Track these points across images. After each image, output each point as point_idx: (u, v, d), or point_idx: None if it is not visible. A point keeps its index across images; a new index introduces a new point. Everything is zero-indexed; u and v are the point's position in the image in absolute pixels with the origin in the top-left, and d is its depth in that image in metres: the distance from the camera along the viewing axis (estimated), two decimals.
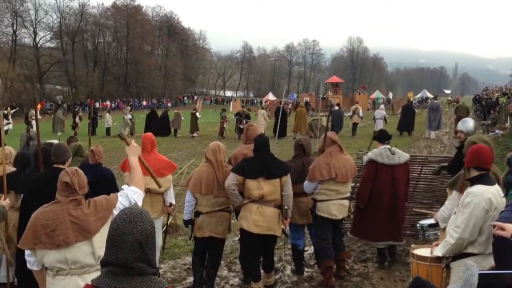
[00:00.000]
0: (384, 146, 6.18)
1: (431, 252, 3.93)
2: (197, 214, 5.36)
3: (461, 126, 6.01)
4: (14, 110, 28.91)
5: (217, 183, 5.23)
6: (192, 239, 5.55)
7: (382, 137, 6.37)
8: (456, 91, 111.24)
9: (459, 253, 3.66)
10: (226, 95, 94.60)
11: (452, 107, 38.61)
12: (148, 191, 5.96)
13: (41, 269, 3.41)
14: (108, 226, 3.07)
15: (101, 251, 3.22)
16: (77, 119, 27.75)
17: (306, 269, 6.21)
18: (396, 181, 6.02)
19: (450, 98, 59.43)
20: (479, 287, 2.00)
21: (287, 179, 5.20)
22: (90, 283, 1.99)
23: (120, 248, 1.93)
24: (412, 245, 4.39)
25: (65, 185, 3.33)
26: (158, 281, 1.98)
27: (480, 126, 19.42)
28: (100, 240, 3.23)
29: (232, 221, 7.86)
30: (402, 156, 6.15)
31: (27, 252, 3.38)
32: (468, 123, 6.00)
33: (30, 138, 6.58)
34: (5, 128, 19.49)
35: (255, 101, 70.47)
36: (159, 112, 27.30)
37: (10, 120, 26.69)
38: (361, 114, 23.92)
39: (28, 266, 3.46)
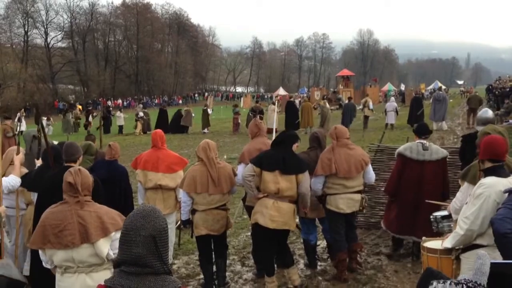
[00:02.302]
0: (419, 141, 6.04)
1: (442, 244, 3.91)
2: (193, 211, 5.37)
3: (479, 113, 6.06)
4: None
5: (211, 181, 5.22)
6: (193, 237, 5.57)
7: (420, 131, 6.18)
8: (468, 81, 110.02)
9: (468, 245, 3.62)
10: (237, 91, 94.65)
11: (465, 98, 38.20)
12: (160, 187, 6.04)
13: (54, 267, 3.47)
14: (109, 240, 3.09)
15: (104, 255, 3.27)
16: (90, 118, 28.01)
17: (319, 263, 6.21)
18: (423, 178, 5.88)
19: (462, 88, 58.80)
20: (491, 277, 1.98)
21: (304, 177, 5.14)
22: (103, 283, 1.98)
23: (134, 243, 1.93)
24: (423, 238, 4.37)
25: (69, 185, 3.36)
26: (171, 281, 1.97)
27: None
28: (102, 247, 3.27)
29: (245, 216, 7.92)
30: (436, 152, 5.96)
31: (40, 252, 3.45)
32: (488, 113, 6.07)
33: (35, 138, 6.63)
34: (19, 129, 19.71)
35: (266, 96, 70.38)
36: (170, 110, 27.32)
37: (23, 122, 27.00)
38: (371, 107, 23.78)
39: (43, 264, 3.53)
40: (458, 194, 4.46)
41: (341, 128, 5.84)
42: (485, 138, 3.86)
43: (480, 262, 1.97)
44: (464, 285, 1.71)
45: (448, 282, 1.74)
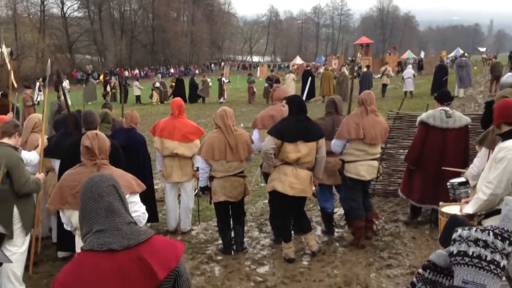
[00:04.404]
0: (441, 108, 5.94)
1: (461, 210, 3.86)
2: (211, 178, 5.42)
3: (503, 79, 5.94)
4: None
5: (229, 148, 5.24)
6: (212, 203, 5.64)
7: (442, 97, 6.05)
8: (491, 48, 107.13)
9: (491, 210, 3.58)
10: (253, 60, 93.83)
11: (487, 66, 37.31)
12: (176, 156, 6.10)
13: (74, 229, 3.56)
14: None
15: None
16: (108, 88, 28.15)
17: (336, 230, 6.25)
18: (446, 146, 5.82)
19: (484, 56, 57.34)
20: None
21: (323, 142, 5.16)
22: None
23: (99, 196, 1.94)
24: (441, 203, 4.33)
25: (86, 149, 3.42)
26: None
27: None
28: None
29: (262, 184, 7.96)
30: (459, 120, 5.87)
31: (60, 213, 3.55)
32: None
33: (61, 107, 6.75)
34: (38, 99, 19.94)
35: (282, 66, 69.66)
36: (186, 80, 27.37)
37: (42, 92, 27.24)
38: (391, 74, 23.48)
39: (65, 226, 3.63)
40: (476, 160, 4.41)
41: (372, 94, 5.76)
42: (499, 102, 3.80)
43: (507, 208, 1.90)
44: (490, 231, 1.66)
45: (474, 229, 1.68)
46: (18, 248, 4.46)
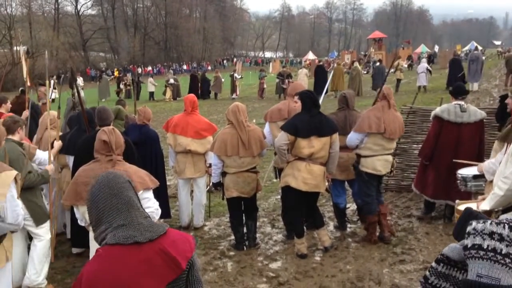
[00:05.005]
0: (456, 102, 5.87)
1: (477, 207, 3.80)
2: (224, 174, 5.43)
3: None
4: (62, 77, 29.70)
5: (241, 144, 5.24)
6: (224, 199, 5.65)
7: (456, 91, 5.98)
8: (506, 42, 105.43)
9: (508, 206, 3.51)
10: (266, 56, 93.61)
11: (502, 59, 36.74)
12: (189, 152, 6.13)
13: (88, 224, 3.60)
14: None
15: None
16: (121, 85, 28.33)
17: (349, 225, 6.22)
18: (461, 141, 5.76)
19: (500, 49, 56.49)
20: None
21: (337, 136, 5.15)
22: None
23: (119, 191, 1.95)
24: (457, 201, 4.28)
25: (103, 144, 3.44)
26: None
27: None
28: None
29: (275, 180, 7.95)
30: (474, 114, 5.81)
31: (74, 209, 3.59)
32: None
33: (75, 104, 6.83)
34: (52, 96, 20.09)
35: (295, 61, 69.41)
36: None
37: (56, 89, 27.40)
38: (405, 66, 23.27)
39: (79, 222, 3.67)
40: (499, 156, 4.33)
41: (391, 89, 5.71)
42: None
43: None
44: (506, 224, 1.61)
45: (489, 222, 1.63)
46: (43, 237, 4.65)
